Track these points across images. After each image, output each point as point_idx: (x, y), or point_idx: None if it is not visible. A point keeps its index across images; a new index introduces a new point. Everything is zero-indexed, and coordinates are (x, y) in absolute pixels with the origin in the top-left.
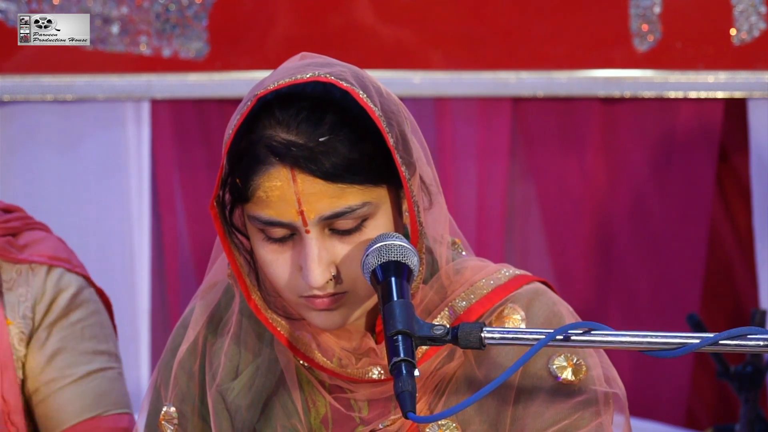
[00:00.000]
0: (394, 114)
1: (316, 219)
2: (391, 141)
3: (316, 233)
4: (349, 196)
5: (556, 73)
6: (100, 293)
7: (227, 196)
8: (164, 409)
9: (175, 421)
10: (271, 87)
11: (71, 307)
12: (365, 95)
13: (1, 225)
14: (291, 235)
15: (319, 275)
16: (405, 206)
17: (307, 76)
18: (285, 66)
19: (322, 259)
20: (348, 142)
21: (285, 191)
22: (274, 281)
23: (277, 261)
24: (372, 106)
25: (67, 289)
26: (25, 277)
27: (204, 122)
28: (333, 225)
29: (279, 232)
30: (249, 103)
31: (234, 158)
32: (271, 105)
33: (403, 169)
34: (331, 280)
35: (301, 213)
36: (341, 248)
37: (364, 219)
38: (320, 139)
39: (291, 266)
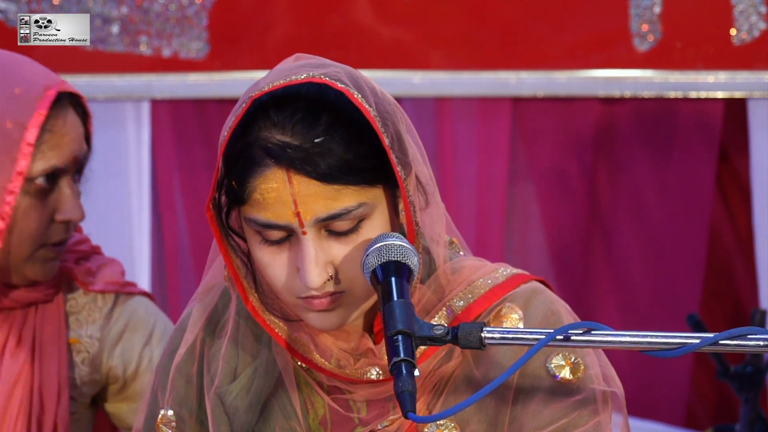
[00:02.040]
0: (389, 114)
1: (313, 220)
2: (386, 141)
3: (312, 234)
4: (345, 198)
5: (556, 73)
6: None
7: (223, 198)
8: (162, 412)
9: (173, 424)
10: (266, 88)
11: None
12: (360, 96)
13: (74, 248)
14: (288, 237)
15: (316, 276)
16: (401, 206)
17: (302, 77)
18: (279, 67)
19: (319, 260)
20: (343, 143)
21: (281, 193)
22: (271, 283)
23: (274, 263)
24: (367, 106)
25: (145, 324)
26: (92, 297)
27: (204, 122)
28: (329, 226)
29: (276, 234)
30: (244, 105)
31: (230, 161)
32: (266, 107)
33: (398, 169)
34: (328, 280)
35: (298, 215)
36: (338, 249)
37: (361, 220)
38: (315, 141)
39: (288, 268)
